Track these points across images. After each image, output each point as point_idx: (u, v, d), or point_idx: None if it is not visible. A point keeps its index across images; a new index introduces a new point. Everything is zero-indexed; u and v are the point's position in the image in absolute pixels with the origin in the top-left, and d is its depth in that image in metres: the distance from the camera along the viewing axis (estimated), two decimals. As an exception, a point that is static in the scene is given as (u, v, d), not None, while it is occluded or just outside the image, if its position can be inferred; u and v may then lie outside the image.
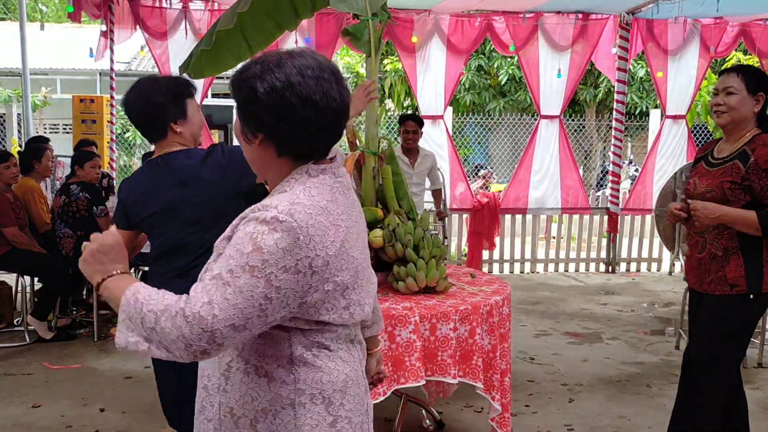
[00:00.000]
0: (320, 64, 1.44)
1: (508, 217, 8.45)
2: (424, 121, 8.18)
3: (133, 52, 13.85)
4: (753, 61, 8.92)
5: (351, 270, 1.44)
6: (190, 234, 2.38)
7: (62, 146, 9.70)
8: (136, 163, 13.62)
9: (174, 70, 7.62)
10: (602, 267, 8.74)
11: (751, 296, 2.81)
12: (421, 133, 6.23)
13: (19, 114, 13.73)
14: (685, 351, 3.07)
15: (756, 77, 2.83)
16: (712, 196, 2.84)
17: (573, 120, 15.17)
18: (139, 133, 13.06)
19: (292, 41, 7.70)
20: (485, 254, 8.39)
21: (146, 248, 5.38)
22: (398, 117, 6.83)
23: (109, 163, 8.38)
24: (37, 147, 5.83)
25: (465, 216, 8.49)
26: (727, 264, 2.84)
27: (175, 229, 2.40)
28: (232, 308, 1.27)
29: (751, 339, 4.97)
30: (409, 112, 14.92)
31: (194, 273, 1.49)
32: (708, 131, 14.01)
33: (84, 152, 5.90)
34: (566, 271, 8.68)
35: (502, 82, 15.19)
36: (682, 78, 8.36)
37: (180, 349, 1.27)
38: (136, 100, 2.44)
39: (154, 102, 2.40)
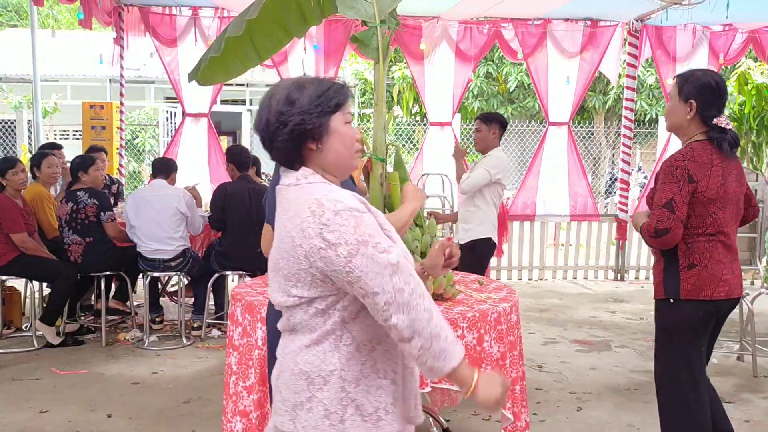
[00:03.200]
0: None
1: (516, 224, 8.43)
2: (433, 127, 8.22)
3: (143, 59, 13.92)
4: (763, 68, 8.88)
5: None
6: None
7: (73, 152, 9.75)
8: (146, 170, 13.67)
9: (183, 77, 7.67)
10: (611, 274, 8.70)
11: (671, 300, 2.82)
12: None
13: (29, 120, 13.80)
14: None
15: (687, 84, 2.81)
16: (647, 203, 2.99)
17: (582, 127, 15.14)
18: (148, 139, 13.00)
19: (300, 48, 7.73)
20: (493, 261, 8.36)
21: (152, 253, 5.40)
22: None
23: (118, 169, 8.42)
24: (38, 154, 5.82)
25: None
26: (656, 269, 2.93)
27: None
28: None
29: (759, 347, 4.96)
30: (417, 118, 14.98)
31: None
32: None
33: (85, 156, 5.79)
34: (575, 278, 8.64)
35: (511, 89, 15.19)
36: (691, 85, 8.32)
37: None
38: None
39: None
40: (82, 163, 5.50)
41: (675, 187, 2.72)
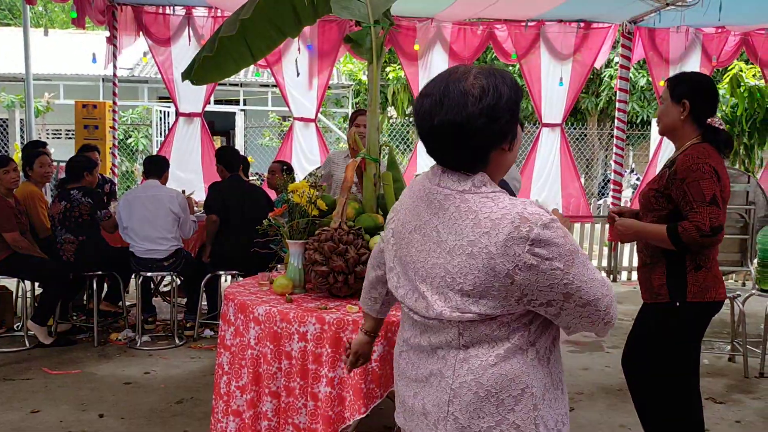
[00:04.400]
0: (434, 85, 1.54)
1: (509, 225, 8.43)
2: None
3: (136, 59, 13.89)
4: (755, 70, 8.93)
5: (398, 245, 1.65)
6: None
7: (65, 152, 9.72)
8: (139, 169, 13.63)
9: (177, 77, 7.66)
10: (603, 275, 8.72)
11: (677, 303, 2.75)
12: None
13: (22, 119, 13.76)
14: (622, 361, 3.04)
15: (680, 85, 2.79)
16: (642, 203, 2.88)
17: (575, 128, 15.18)
18: (141, 139, 12.94)
19: (294, 48, 7.73)
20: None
21: (145, 253, 5.38)
22: None
23: (111, 169, 8.40)
24: (29, 154, 5.82)
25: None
26: (654, 272, 2.82)
27: None
28: None
29: (751, 348, 4.99)
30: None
31: None
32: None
33: (88, 157, 5.88)
34: (567, 279, 8.65)
35: (504, 91, 15.21)
36: (684, 87, 8.36)
37: None
38: None
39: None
40: (88, 164, 5.61)
41: (712, 182, 2.64)
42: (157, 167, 5.62)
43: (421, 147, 8.28)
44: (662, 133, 2.93)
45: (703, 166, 2.66)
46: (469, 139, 1.48)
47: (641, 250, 2.92)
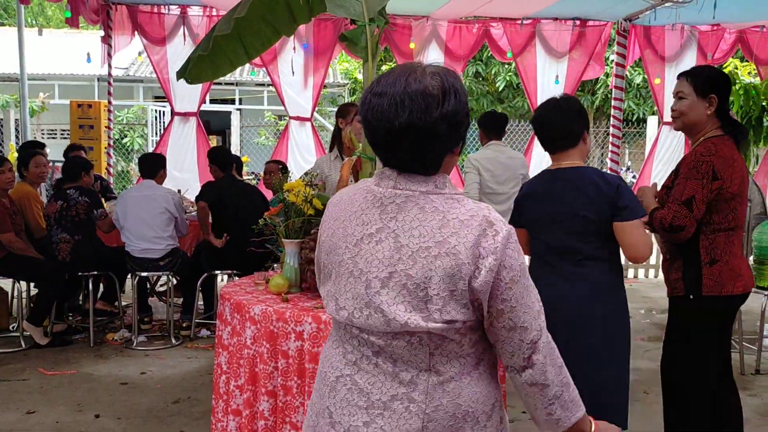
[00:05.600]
0: (388, 83, 1.45)
1: (505, 223, 8.43)
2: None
3: (131, 58, 13.87)
4: (750, 68, 8.94)
5: (335, 263, 1.52)
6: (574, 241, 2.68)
7: (61, 152, 9.69)
8: (135, 169, 13.61)
9: (172, 76, 7.63)
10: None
11: (691, 297, 2.77)
12: None
13: (16, 119, 13.71)
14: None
15: (705, 79, 2.79)
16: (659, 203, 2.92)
17: (571, 126, 15.19)
18: (137, 139, 12.91)
19: (290, 47, 7.71)
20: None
21: (141, 253, 5.37)
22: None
23: (106, 168, 8.37)
24: (25, 154, 5.82)
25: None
26: (672, 266, 2.85)
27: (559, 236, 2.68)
28: None
29: (747, 345, 5.00)
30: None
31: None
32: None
33: (82, 157, 5.94)
34: (564, 277, 8.64)
35: (500, 89, 15.23)
36: (680, 85, 8.36)
37: None
38: (554, 112, 2.73)
39: (575, 111, 2.69)
40: (85, 164, 5.68)
41: (698, 184, 2.66)
42: (151, 168, 5.60)
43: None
44: (681, 128, 2.90)
45: (702, 165, 2.67)
46: (430, 143, 1.43)
47: (663, 245, 2.93)
